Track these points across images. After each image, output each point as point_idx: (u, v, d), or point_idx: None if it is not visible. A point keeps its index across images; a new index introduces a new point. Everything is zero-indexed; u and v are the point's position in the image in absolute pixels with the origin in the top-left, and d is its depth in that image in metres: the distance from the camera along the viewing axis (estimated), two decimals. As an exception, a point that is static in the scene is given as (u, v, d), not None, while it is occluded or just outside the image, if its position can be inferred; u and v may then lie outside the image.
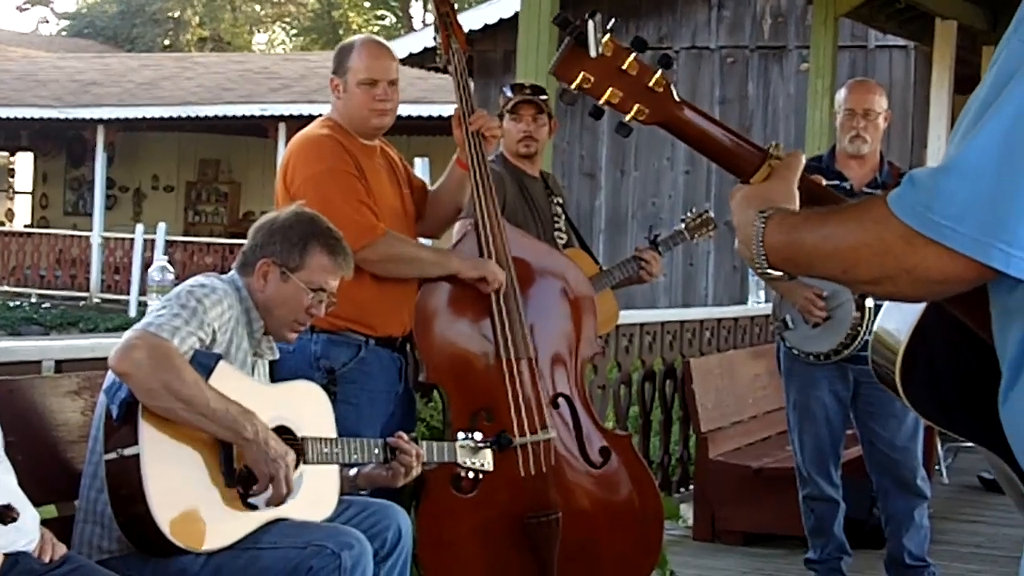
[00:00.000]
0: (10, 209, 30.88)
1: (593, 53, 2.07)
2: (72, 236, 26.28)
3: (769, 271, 1.99)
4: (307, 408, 3.90)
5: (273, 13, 45.17)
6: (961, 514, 7.95)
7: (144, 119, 25.03)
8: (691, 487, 7.55)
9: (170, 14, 42.70)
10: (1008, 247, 1.72)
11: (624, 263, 5.75)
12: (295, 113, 22.18)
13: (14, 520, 3.17)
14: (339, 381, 4.45)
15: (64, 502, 3.84)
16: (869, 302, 5.58)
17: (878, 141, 5.87)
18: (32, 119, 25.99)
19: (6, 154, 31.17)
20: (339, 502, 3.92)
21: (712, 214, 6.03)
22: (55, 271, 25.92)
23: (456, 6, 5.03)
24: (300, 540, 3.62)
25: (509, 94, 5.54)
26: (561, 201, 5.67)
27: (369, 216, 4.51)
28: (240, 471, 3.62)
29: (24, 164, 31.22)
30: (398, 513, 4.05)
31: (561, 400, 4.90)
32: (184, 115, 24.47)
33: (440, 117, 18.82)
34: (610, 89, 2.08)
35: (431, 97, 20.52)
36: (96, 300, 24.92)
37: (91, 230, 25.54)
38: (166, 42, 42.66)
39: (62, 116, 25.40)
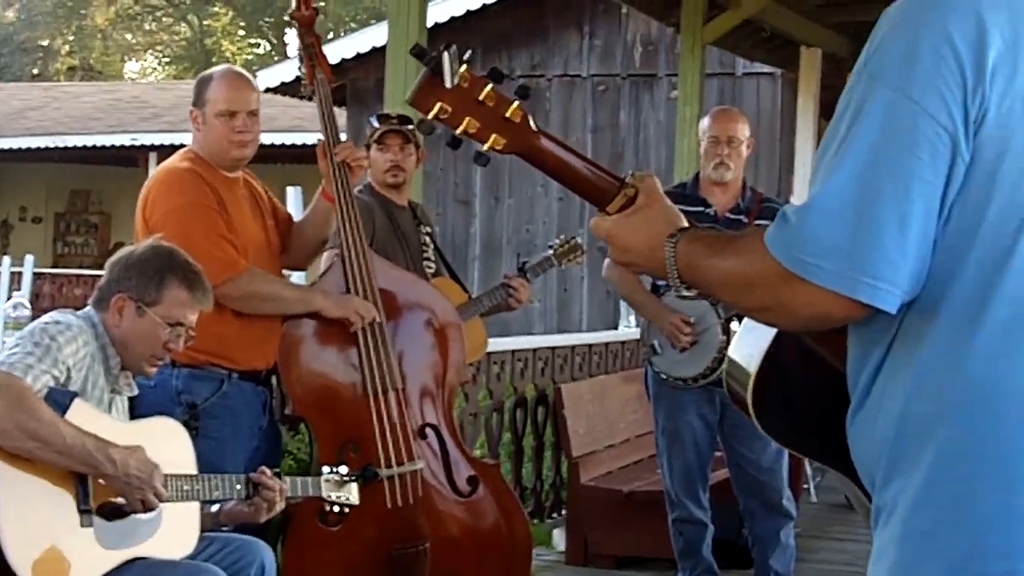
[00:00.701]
0: None
1: (449, 84, 2.08)
2: (-63, 270, 25.69)
3: (685, 292, 2.08)
4: (166, 445, 3.83)
5: (145, 42, 44.63)
6: (829, 532, 8.06)
7: (11, 150, 24.58)
8: (564, 512, 7.58)
9: (39, 43, 42.05)
10: (873, 280, 1.79)
11: (492, 291, 5.77)
12: (167, 143, 21.87)
13: None
14: (201, 416, 4.39)
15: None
16: (735, 326, 5.63)
17: (741, 168, 5.95)
18: None
19: None
20: (200, 539, 3.87)
21: (580, 240, 6.08)
22: (-80, 305, 25.32)
23: (334, 32, 5.00)
24: (160, 578, 3.58)
25: (376, 124, 5.54)
26: (430, 231, 5.68)
27: (230, 251, 4.47)
28: (101, 506, 3.56)
29: None
30: (261, 548, 4.02)
31: (429, 430, 4.91)
32: (53, 145, 24.06)
33: (314, 145, 18.66)
34: (467, 119, 2.10)
35: (304, 126, 20.44)
36: (-39, 335, 24.39)
37: (-44, 263, 25.00)
38: (35, 71, 41.98)
39: (-72, 147, 24.88)
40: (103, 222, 27.81)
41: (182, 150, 4.72)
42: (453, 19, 14.72)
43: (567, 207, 14.79)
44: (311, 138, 19.51)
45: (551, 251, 5.99)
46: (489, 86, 2.09)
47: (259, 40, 43.01)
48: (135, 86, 35.22)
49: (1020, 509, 1.77)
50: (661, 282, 5.67)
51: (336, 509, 4.28)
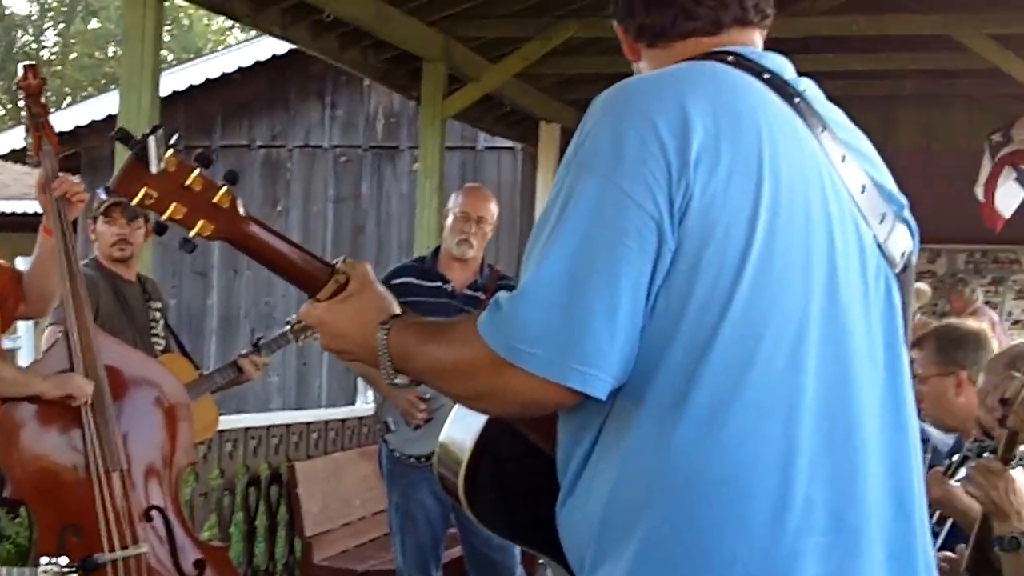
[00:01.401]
0: None
1: (155, 169, 2.03)
2: None
3: (397, 380, 2.03)
4: None
5: None
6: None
7: None
8: (298, 593, 7.46)
9: None
10: (584, 367, 1.81)
11: (224, 367, 5.68)
12: None
13: None
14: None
15: None
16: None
17: (483, 248, 5.98)
18: None
19: None
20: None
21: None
22: None
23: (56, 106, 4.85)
24: None
25: (103, 196, 5.39)
26: (160, 306, 5.56)
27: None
28: None
29: None
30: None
31: (155, 513, 4.77)
32: None
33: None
34: (174, 205, 2.04)
35: (35, 194, 19.84)
36: None
37: None
38: None
39: None
40: None
41: None
42: (192, 87, 14.51)
43: (307, 280, 14.66)
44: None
45: (288, 327, 5.91)
46: (196, 171, 2.05)
47: (-8, 103, 41.77)
48: None
49: (723, 589, 1.80)
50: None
51: (51, 600, 4.10)
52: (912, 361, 4.04)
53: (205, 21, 29.09)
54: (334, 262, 2.13)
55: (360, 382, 10.81)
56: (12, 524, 5.00)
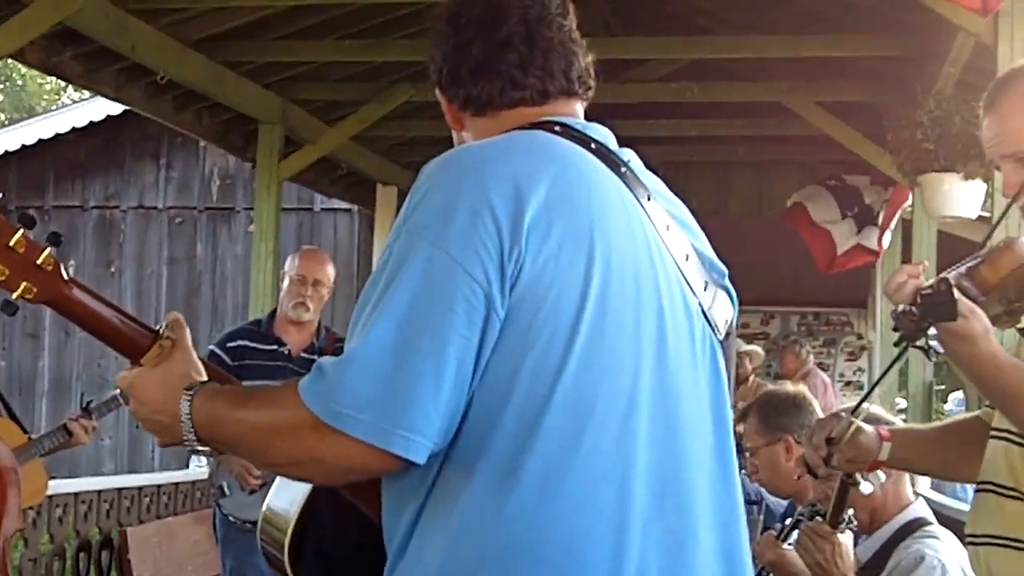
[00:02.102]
0: None
1: None
2: None
3: (199, 447, 1.98)
4: None
5: None
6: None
7: None
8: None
9: None
10: (408, 433, 1.80)
11: (53, 432, 5.60)
12: None
13: None
14: None
15: None
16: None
17: (319, 311, 5.97)
18: None
19: None
20: None
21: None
22: None
23: None
24: None
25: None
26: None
27: None
28: None
29: None
30: None
31: (-20, 580, 4.66)
32: None
33: None
34: None
35: None
36: None
37: None
38: None
39: None
40: None
41: None
42: (25, 147, 14.26)
43: (141, 342, 14.45)
44: None
45: (118, 390, 5.83)
46: (19, 232, 2.02)
47: None
48: None
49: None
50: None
51: None
52: (739, 436, 4.15)
53: (39, 81, 28.57)
54: (158, 327, 2.10)
55: (194, 445, 10.67)
56: None
